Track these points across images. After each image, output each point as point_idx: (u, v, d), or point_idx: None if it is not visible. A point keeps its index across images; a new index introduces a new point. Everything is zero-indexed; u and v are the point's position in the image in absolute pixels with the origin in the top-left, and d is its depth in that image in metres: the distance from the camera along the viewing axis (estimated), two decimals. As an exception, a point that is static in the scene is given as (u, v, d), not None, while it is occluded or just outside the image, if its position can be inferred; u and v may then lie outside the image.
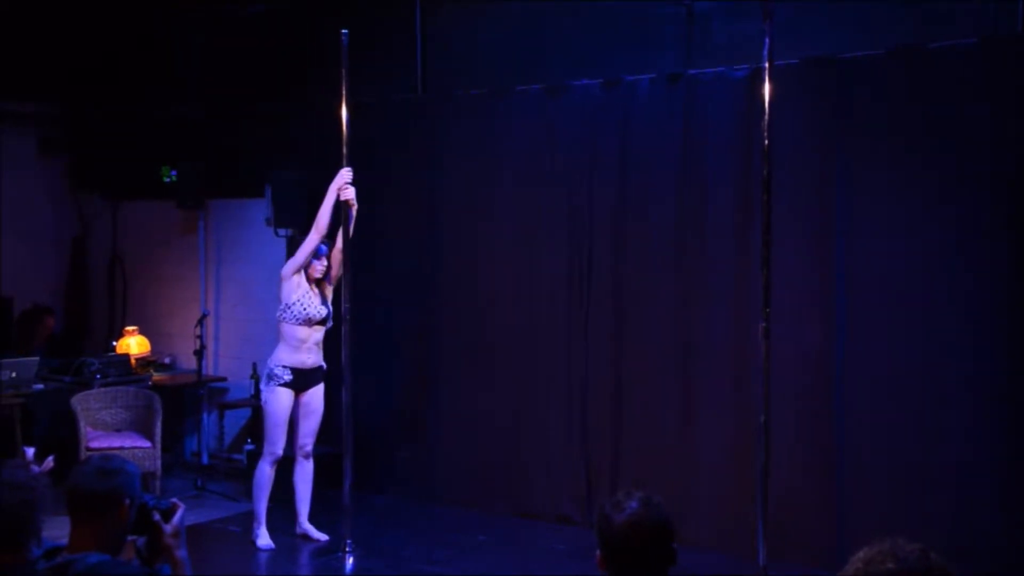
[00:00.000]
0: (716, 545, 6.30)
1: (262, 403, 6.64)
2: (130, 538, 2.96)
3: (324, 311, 6.51)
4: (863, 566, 1.83)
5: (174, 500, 3.02)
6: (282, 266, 6.67)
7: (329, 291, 6.60)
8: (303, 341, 6.48)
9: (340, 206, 6.24)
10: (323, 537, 6.60)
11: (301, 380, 6.52)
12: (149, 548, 2.96)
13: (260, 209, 8.38)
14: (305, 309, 6.43)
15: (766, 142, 5.19)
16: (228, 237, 9.01)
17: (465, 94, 7.52)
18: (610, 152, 6.85)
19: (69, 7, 8.68)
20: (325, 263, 6.52)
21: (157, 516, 2.93)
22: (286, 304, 6.46)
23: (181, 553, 2.95)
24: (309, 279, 6.49)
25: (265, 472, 6.61)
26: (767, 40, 5.14)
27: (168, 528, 2.94)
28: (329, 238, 6.49)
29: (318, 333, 6.54)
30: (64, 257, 9.85)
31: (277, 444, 6.56)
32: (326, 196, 6.28)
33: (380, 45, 7.89)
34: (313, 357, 6.55)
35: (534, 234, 7.19)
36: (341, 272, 6.39)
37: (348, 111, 6.12)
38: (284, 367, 6.49)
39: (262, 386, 6.65)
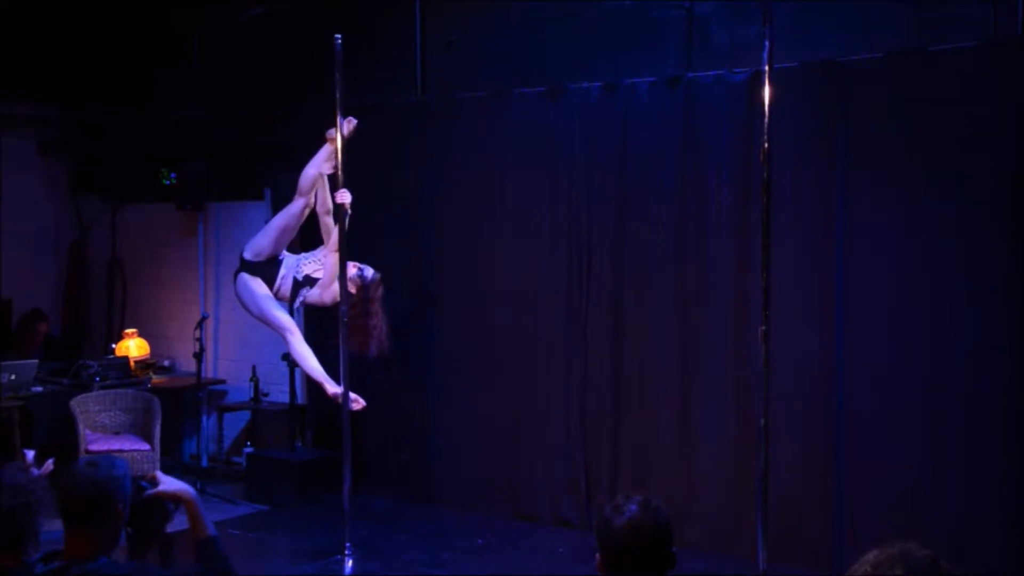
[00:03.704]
0: (716, 548, 6.29)
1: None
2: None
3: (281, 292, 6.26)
4: (871, 569, 1.80)
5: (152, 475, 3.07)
6: (235, 276, 6.47)
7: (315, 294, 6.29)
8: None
9: (336, 209, 6.14)
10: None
11: None
12: (137, 538, 2.97)
13: (260, 212, 8.38)
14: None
15: (766, 145, 5.19)
16: (228, 240, 9.00)
17: (465, 97, 7.51)
18: (610, 155, 6.85)
19: (70, 10, 8.68)
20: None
21: (143, 483, 2.99)
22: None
23: (175, 486, 3.01)
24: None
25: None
26: (767, 43, 5.14)
27: (159, 486, 3.00)
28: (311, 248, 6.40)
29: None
30: (64, 259, 9.85)
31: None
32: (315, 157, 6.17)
33: (380, 48, 7.89)
34: None
35: (534, 236, 7.19)
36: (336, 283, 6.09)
37: (342, 115, 6.06)
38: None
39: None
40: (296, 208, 6.24)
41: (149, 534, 2.98)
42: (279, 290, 6.27)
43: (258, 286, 6.25)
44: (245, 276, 6.29)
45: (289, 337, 6.22)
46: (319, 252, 6.30)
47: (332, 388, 6.05)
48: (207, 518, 3.04)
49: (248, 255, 6.31)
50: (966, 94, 5.71)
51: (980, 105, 5.68)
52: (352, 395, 5.98)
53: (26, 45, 8.70)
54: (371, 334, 6.17)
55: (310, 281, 6.23)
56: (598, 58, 7.07)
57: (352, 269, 6.09)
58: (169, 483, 3.03)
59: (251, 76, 8.66)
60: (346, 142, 6.00)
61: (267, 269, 6.27)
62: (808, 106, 6.13)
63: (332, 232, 6.10)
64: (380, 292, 6.22)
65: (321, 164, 6.17)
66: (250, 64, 8.66)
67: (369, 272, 6.19)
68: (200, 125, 8.90)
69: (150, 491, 2.98)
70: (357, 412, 6.10)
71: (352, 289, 6.04)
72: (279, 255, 6.30)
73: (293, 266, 6.29)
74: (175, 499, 3.01)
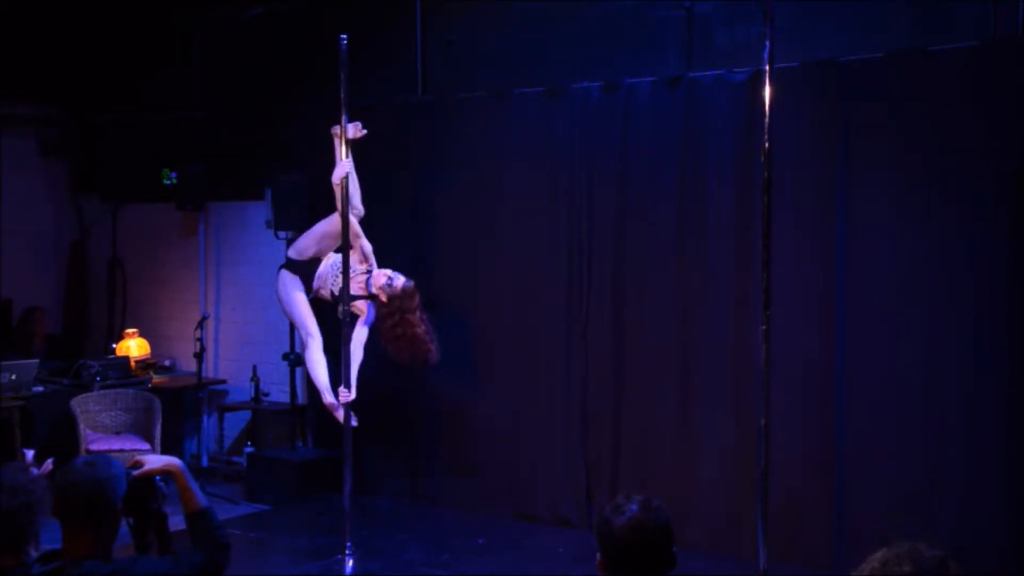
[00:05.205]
0: (716, 548, 6.29)
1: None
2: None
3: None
4: (879, 567, 1.80)
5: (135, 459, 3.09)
6: (279, 270, 6.43)
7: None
8: None
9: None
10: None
11: None
12: (137, 527, 2.98)
13: (260, 212, 8.38)
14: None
15: (766, 144, 5.18)
16: (228, 239, 9.01)
17: (465, 96, 7.51)
18: (610, 154, 6.85)
19: (70, 10, 8.68)
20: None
21: (129, 470, 2.99)
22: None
23: (160, 461, 3.03)
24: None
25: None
26: (767, 43, 5.13)
27: (144, 466, 3.01)
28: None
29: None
30: (64, 259, 9.85)
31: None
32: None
33: (381, 47, 7.89)
34: None
35: (534, 236, 7.19)
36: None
37: (348, 116, 6.06)
38: None
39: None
40: (335, 216, 6.16)
41: (147, 518, 2.98)
42: (318, 291, 6.28)
43: (295, 285, 6.27)
44: (285, 273, 6.32)
45: (309, 341, 6.22)
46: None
47: (328, 398, 6.08)
48: (197, 489, 3.03)
49: (292, 253, 6.37)
50: (966, 93, 5.71)
51: (980, 105, 5.68)
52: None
53: (26, 45, 8.70)
54: (418, 343, 6.10)
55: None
56: (598, 58, 7.07)
57: (381, 278, 6.12)
58: (153, 460, 3.04)
59: (251, 76, 8.66)
60: (350, 144, 6.01)
61: (307, 269, 6.29)
62: (808, 106, 6.13)
63: (361, 246, 6.13)
64: (417, 300, 6.12)
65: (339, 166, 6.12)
66: (250, 64, 8.66)
67: (400, 281, 6.12)
68: (200, 125, 8.89)
69: (136, 473, 2.98)
70: (357, 412, 6.10)
71: (383, 298, 6.10)
72: (322, 258, 6.30)
73: (330, 267, 6.25)
74: (163, 473, 3.01)
